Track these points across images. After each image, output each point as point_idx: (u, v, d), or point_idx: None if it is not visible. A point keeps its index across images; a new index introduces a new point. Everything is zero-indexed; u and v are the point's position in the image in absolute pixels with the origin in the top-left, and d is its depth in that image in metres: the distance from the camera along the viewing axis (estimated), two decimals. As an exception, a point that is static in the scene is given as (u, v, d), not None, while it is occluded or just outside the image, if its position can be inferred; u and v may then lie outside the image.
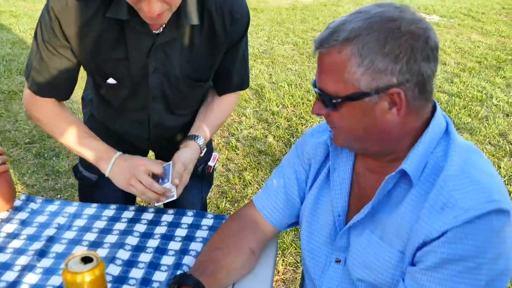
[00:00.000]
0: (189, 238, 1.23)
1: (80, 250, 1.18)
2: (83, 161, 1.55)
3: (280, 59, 5.64)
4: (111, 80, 1.28)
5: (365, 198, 1.01)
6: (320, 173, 1.11)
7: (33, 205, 1.36)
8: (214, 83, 1.45)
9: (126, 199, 1.46)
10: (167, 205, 1.40)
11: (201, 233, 1.25)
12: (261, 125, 3.90)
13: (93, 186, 1.52)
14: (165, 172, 1.26)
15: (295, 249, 2.53)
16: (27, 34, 6.18)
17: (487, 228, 0.83)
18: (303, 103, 4.37)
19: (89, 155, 1.30)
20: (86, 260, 0.86)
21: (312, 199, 1.10)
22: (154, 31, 1.20)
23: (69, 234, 1.23)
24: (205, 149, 1.39)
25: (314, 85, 0.94)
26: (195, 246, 1.20)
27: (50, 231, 1.24)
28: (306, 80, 4.92)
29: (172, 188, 1.25)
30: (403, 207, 0.93)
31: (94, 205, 1.37)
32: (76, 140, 1.31)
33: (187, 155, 1.31)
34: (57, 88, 1.30)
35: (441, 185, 0.88)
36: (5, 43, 5.75)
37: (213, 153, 1.64)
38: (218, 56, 1.33)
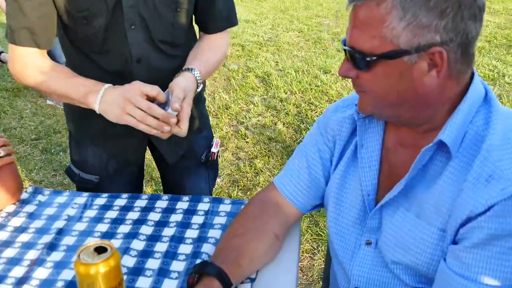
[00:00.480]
0: (207, 225, 1.16)
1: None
2: (76, 162, 1.48)
3: (285, 46, 5.54)
4: (83, 13, 1.17)
5: (395, 175, 0.93)
6: (346, 150, 1.03)
7: (41, 197, 1.29)
8: (199, 22, 1.35)
9: None
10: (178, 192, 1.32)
11: (220, 220, 1.18)
12: (270, 112, 3.82)
13: (95, 189, 1.41)
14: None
15: (311, 235, 2.46)
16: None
17: None
18: (311, 89, 4.29)
19: (75, 94, 1.16)
20: (99, 250, 0.79)
21: (338, 178, 1.02)
22: None
23: (80, 226, 1.17)
24: (202, 86, 1.26)
25: (344, 43, 0.85)
26: (214, 233, 1.12)
27: (59, 223, 1.17)
28: (313, 66, 4.83)
29: (173, 115, 1.10)
30: (442, 181, 0.85)
31: (105, 195, 1.30)
32: (60, 83, 1.18)
33: (183, 81, 1.17)
34: (35, 33, 1.17)
35: (485, 156, 0.80)
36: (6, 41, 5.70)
37: (215, 139, 1.55)
38: None
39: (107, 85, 1.15)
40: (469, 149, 0.83)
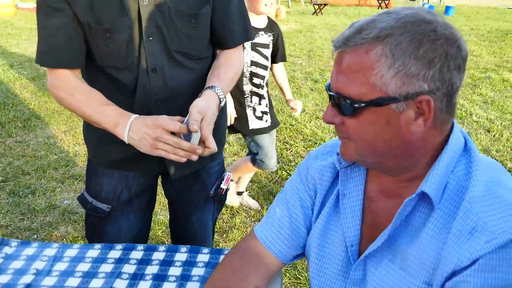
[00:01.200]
0: (184, 277, 1.11)
1: (62, 298, 1.05)
2: (91, 190, 1.47)
3: (259, 85, 5.61)
4: (107, 30, 1.23)
5: (379, 225, 0.92)
6: (327, 199, 1.01)
7: (7, 249, 1.22)
8: (215, 38, 1.39)
9: (141, 231, 1.37)
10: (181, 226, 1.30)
11: (198, 271, 1.13)
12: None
13: (105, 218, 1.41)
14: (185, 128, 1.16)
15: (289, 279, 2.41)
16: (0, 70, 6.02)
17: None
18: (286, 128, 4.32)
19: (106, 124, 1.22)
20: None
21: (320, 228, 1.01)
22: None
23: (49, 281, 1.10)
24: (225, 101, 1.30)
25: (329, 89, 0.85)
26: (192, 286, 1.08)
27: (27, 278, 1.10)
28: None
29: (196, 139, 1.16)
30: (425, 233, 0.84)
31: (76, 245, 1.24)
32: (93, 111, 1.24)
33: (202, 102, 1.22)
34: (63, 54, 1.24)
35: (467, 207, 0.80)
36: (-24, 79, 5.57)
37: (226, 173, 1.54)
38: None
39: (133, 118, 1.20)
40: (452, 200, 0.83)
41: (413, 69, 0.76)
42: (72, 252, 1.21)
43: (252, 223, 2.86)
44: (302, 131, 4.22)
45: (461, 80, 0.80)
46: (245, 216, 2.93)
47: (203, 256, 1.19)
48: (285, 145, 3.94)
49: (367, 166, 0.95)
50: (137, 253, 1.20)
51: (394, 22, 0.77)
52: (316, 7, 14.38)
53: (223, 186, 1.48)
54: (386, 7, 16.72)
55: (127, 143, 1.20)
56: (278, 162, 3.60)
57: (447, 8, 14.16)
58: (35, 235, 2.70)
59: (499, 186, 0.82)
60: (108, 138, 1.26)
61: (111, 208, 1.43)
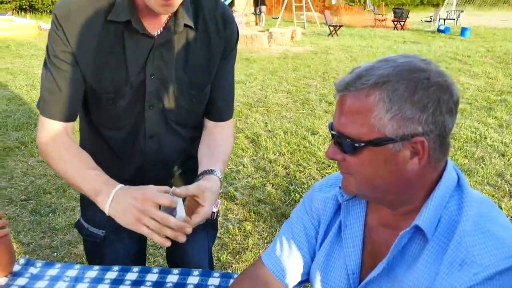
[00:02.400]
0: (195, 300, 1.18)
1: (83, 318, 1.13)
2: (86, 216, 1.52)
3: (274, 107, 5.70)
4: (108, 95, 1.26)
5: (379, 254, 0.98)
6: (330, 229, 1.08)
7: (32, 270, 1.31)
8: (209, 112, 1.42)
9: (138, 254, 1.38)
10: (175, 256, 1.32)
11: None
12: (259, 173, 3.88)
13: (101, 243, 1.46)
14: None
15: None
16: (23, 90, 6.25)
17: (510, 284, 0.80)
18: (299, 150, 4.38)
19: (87, 190, 1.16)
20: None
21: (323, 256, 1.07)
22: (152, 33, 1.22)
23: (71, 300, 1.19)
24: (222, 185, 1.29)
25: (331, 128, 0.93)
26: (203, 308, 1.15)
27: (51, 298, 1.19)
28: (302, 127, 4.96)
29: (187, 225, 1.07)
30: (420, 263, 0.90)
31: (96, 267, 1.32)
32: (77, 173, 1.19)
33: (204, 182, 1.21)
34: (65, 106, 1.24)
35: (458, 241, 0.86)
36: (1, 100, 5.79)
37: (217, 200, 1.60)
38: (213, 64, 1.33)
39: (118, 187, 1.13)
40: (444, 233, 0.89)
41: (409, 113, 0.84)
42: (92, 273, 1.29)
43: (265, 244, 2.92)
44: (315, 154, 4.28)
45: (453, 123, 0.87)
46: (258, 238, 2.99)
47: (214, 280, 1.26)
48: (298, 167, 4.00)
49: (367, 200, 1.02)
50: (153, 276, 1.28)
51: (391, 70, 0.85)
52: (332, 28, 14.54)
53: (213, 209, 1.51)
54: (402, 28, 16.82)
55: (107, 214, 1.12)
56: (291, 185, 3.66)
57: (463, 30, 14.15)
58: (55, 253, 2.80)
59: (489, 221, 0.88)
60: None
61: (105, 233, 1.46)
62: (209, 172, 1.27)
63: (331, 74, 7.82)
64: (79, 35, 1.18)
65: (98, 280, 1.27)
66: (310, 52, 10.23)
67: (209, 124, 1.45)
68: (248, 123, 5.05)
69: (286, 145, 4.46)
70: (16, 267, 1.32)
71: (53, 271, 1.31)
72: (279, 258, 1.12)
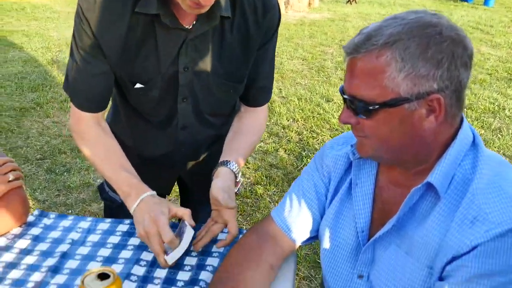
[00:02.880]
0: (205, 253, 1.20)
1: (94, 266, 1.15)
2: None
3: (289, 74, 5.64)
4: (139, 85, 1.24)
5: (388, 212, 0.98)
6: (340, 187, 1.08)
7: (46, 221, 1.34)
8: (243, 96, 1.38)
9: None
10: None
11: (218, 248, 1.22)
12: (272, 139, 3.88)
13: (119, 208, 1.46)
14: (180, 237, 1.15)
15: (309, 263, 2.48)
16: (39, 53, 6.26)
17: None
18: (313, 116, 4.35)
19: (118, 189, 1.23)
20: (102, 276, 0.83)
21: (333, 213, 1.07)
22: (186, 26, 1.16)
23: (83, 250, 1.21)
24: (240, 174, 1.29)
25: (342, 92, 0.91)
26: (212, 261, 1.16)
27: (64, 247, 1.21)
28: (316, 94, 4.91)
29: (187, 238, 1.14)
30: (430, 220, 0.89)
31: (108, 220, 1.34)
32: (109, 171, 1.24)
33: (218, 185, 1.22)
34: (95, 99, 1.26)
35: (471, 199, 0.85)
36: (17, 61, 5.81)
37: (240, 179, 1.56)
38: (250, 54, 1.26)
39: (146, 194, 1.17)
40: (457, 191, 0.88)
41: (423, 70, 0.81)
42: (104, 225, 1.31)
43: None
44: (329, 121, 4.25)
45: (468, 77, 0.85)
46: (269, 201, 3.01)
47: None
48: (311, 133, 3.99)
49: (382, 161, 1.00)
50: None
51: (401, 28, 0.82)
52: (351, -5, 14.17)
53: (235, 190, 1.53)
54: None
55: (131, 213, 1.19)
56: (304, 150, 3.66)
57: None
58: (70, 210, 2.86)
59: (503, 179, 0.86)
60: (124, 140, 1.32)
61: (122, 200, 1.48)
62: (223, 164, 1.27)
63: (348, 41, 7.63)
64: (106, 27, 1.14)
65: (110, 232, 1.29)
66: (327, 19, 10.03)
67: (242, 107, 1.43)
68: (262, 89, 5.02)
69: (300, 111, 4.42)
70: (30, 218, 1.34)
71: (66, 223, 1.33)
72: (288, 215, 1.12)
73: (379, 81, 0.83)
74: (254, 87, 1.36)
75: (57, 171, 3.31)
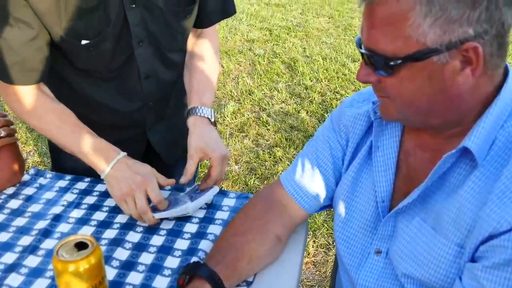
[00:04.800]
0: (207, 220, 1.09)
1: (87, 231, 1.06)
2: (57, 166, 1.42)
3: (314, 32, 5.40)
4: (84, 41, 1.08)
5: (414, 180, 0.84)
6: (359, 150, 0.94)
7: (42, 180, 1.25)
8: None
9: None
10: None
11: (221, 215, 1.11)
12: (294, 99, 3.72)
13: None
14: (170, 202, 1.08)
15: (327, 230, 2.38)
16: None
17: None
18: (338, 77, 4.16)
19: (83, 155, 1.09)
20: (80, 246, 0.73)
21: (349, 180, 0.94)
22: None
23: (77, 213, 1.12)
24: (213, 114, 1.21)
25: (359, 46, 0.76)
26: (214, 229, 1.06)
27: (57, 209, 1.12)
28: (342, 53, 4.69)
29: (185, 208, 1.07)
30: (464, 191, 0.75)
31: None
32: (67, 137, 1.11)
33: (196, 141, 1.14)
34: (28, 69, 1.07)
35: None
36: None
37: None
38: None
39: (121, 155, 1.07)
40: (498, 158, 0.73)
41: (454, 12, 0.65)
42: (102, 187, 1.22)
43: (294, 172, 2.82)
44: (354, 82, 4.05)
45: None
46: (288, 165, 2.89)
47: (229, 200, 1.16)
48: (335, 95, 3.81)
49: (409, 125, 0.86)
50: (165, 193, 1.19)
51: None
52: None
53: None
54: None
55: (102, 177, 1.08)
56: (327, 112, 3.50)
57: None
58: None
59: (557, 144, 0.71)
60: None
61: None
62: (191, 113, 1.18)
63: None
64: None
65: (107, 194, 1.19)
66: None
67: (192, 34, 1.30)
68: (285, 48, 4.81)
69: (324, 71, 4.23)
70: (26, 177, 1.26)
71: (62, 183, 1.24)
72: (299, 180, 1.00)
73: (401, 30, 0.68)
74: (206, 5, 1.24)
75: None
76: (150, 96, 1.27)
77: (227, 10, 1.30)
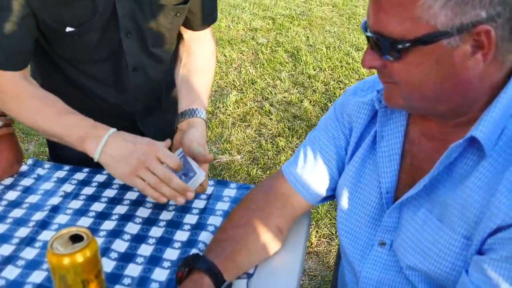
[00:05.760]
0: (207, 211, 1.07)
1: (85, 222, 1.04)
2: (54, 157, 1.40)
3: (318, 21, 5.34)
4: (69, 29, 1.04)
5: (419, 170, 0.82)
6: (363, 140, 0.91)
7: (40, 171, 1.23)
8: (185, 21, 1.23)
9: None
10: None
11: (222, 205, 1.09)
12: (297, 89, 3.69)
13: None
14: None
15: (330, 220, 2.36)
16: None
17: None
18: (341, 66, 4.11)
19: (68, 136, 1.01)
20: (75, 238, 0.71)
21: (353, 170, 0.91)
22: None
23: (75, 204, 1.10)
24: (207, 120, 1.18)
25: (365, 29, 0.73)
26: (214, 220, 1.04)
27: (55, 200, 1.11)
28: (346, 42, 4.63)
29: (197, 180, 1.01)
30: (471, 182, 0.73)
31: (105, 171, 1.22)
32: (51, 121, 1.02)
33: (196, 132, 1.08)
34: (12, 56, 1.03)
35: None
36: None
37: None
38: None
39: (112, 131, 0.99)
40: (507, 147, 0.71)
41: None
42: (100, 177, 1.20)
43: (297, 162, 2.80)
44: (358, 71, 4.00)
45: None
46: (290, 154, 2.87)
47: (230, 191, 1.14)
48: (338, 84, 3.77)
49: (416, 112, 0.83)
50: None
51: None
52: None
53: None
54: None
55: (96, 160, 0.98)
56: (330, 101, 3.46)
57: None
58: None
59: None
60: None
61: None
62: (190, 114, 1.13)
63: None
64: None
65: (106, 184, 1.17)
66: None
67: (185, 35, 1.28)
68: (288, 37, 4.76)
69: (328, 60, 4.18)
70: (24, 168, 1.24)
71: (61, 173, 1.22)
72: (301, 171, 0.97)
73: (410, 11, 0.65)
74: (199, 8, 1.22)
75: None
76: (139, 88, 1.25)
77: (215, 15, 1.29)
